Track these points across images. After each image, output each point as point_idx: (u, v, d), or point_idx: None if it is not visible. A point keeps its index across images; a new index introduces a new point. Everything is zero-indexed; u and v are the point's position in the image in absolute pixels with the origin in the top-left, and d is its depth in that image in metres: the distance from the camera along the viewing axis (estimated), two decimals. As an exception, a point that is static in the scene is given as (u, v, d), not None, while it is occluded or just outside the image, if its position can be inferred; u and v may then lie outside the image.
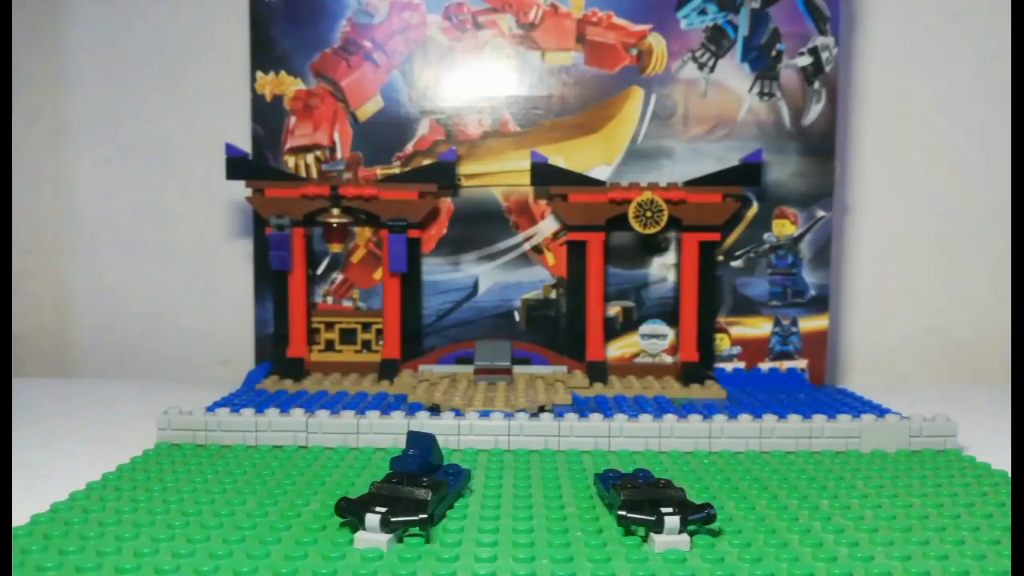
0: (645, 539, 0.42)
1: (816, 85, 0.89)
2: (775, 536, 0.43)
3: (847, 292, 0.98)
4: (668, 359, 0.89)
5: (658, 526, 0.42)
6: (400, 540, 0.42)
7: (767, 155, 0.88)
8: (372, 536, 0.41)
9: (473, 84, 0.88)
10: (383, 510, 0.42)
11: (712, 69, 0.89)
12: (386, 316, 0.87)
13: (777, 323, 0.90)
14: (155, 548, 0.40)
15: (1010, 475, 0.55)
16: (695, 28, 0.88)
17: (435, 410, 0.68)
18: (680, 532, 0.42)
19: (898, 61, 0.97)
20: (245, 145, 0.89)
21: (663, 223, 0.84)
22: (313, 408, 0.67)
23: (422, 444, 0.50)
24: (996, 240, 0.98)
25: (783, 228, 0.90)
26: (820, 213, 0.90)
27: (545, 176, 0.86)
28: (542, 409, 0.70)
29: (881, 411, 0.70)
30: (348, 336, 0.89)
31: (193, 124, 0.96)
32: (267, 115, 0.89)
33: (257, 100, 0.89)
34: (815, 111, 0.89)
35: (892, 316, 0.99)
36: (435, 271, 0.89)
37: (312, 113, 0.88)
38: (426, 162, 0.88)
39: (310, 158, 0.89)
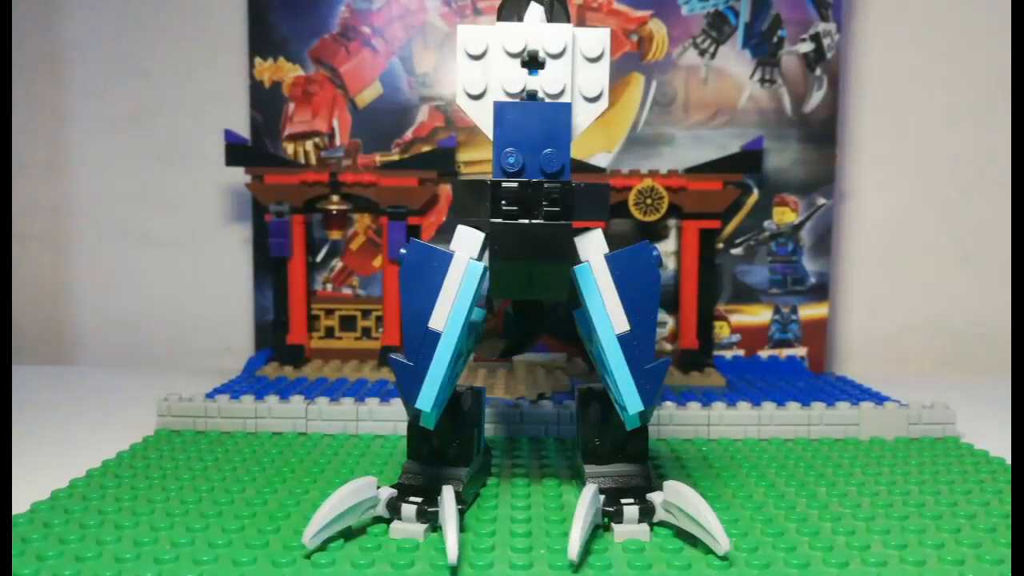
0: (607, 528, 0.42)
1: (817, 72, 0.88)
2: (772, 524, 0.43)
3: (847, 280, 0.98)
4: (668, 347, 0.89)
5: (618, 517, 0.42)
6: (435, 530, 0.42)
7: (768, 142, 0.88)
8: (408, 527, 0.41)
9: (473, 70, 0.88)
10: (418, 500, 0.42)
11: (713, 55, 0.88)
12: (386, 303, 0.86)
13: (777, 311, 0.90)
14: (154, 536, 0.41)
15: (1008, 463, 0.55)
16: (696, 14, 0.88)
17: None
18: (640, 522, 0.41)
19: (900, 48, 0.96)
20: (244, 131, 0.89)
21: (663, 211, 0.83)
22: (313, 395, 0.67)
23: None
24: (996, 228, 0.98)
25: (783, 216, 0.89)
26: (821, 201, 0.90)
27: (545, 163, 0.85)
28: (542, 396, 0.70)
29: (880, 399, 0.70)
30: (348, 323, 0.89)
31: (191, 110, 0.95)
32: (266, 101, 0.88)
33: (256, 86, 0.88)
34: (816, 98, 0.88)
35: (892, 304, 0.99)
36: (435, 258, 0.89)
37: (311, 100, 0.88)
38: (425, 149, 0.88)
39: (309, 145, 0.88)
